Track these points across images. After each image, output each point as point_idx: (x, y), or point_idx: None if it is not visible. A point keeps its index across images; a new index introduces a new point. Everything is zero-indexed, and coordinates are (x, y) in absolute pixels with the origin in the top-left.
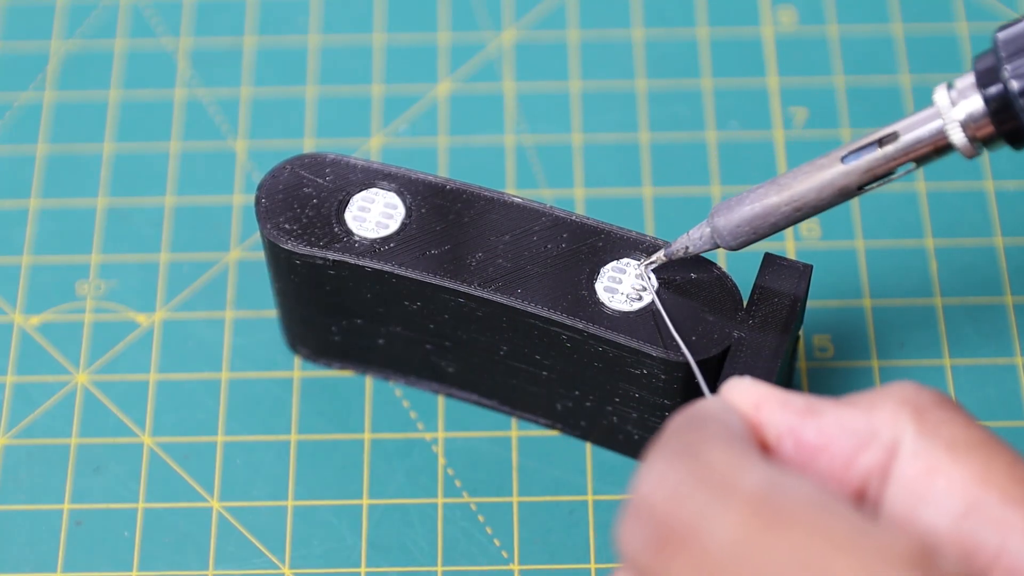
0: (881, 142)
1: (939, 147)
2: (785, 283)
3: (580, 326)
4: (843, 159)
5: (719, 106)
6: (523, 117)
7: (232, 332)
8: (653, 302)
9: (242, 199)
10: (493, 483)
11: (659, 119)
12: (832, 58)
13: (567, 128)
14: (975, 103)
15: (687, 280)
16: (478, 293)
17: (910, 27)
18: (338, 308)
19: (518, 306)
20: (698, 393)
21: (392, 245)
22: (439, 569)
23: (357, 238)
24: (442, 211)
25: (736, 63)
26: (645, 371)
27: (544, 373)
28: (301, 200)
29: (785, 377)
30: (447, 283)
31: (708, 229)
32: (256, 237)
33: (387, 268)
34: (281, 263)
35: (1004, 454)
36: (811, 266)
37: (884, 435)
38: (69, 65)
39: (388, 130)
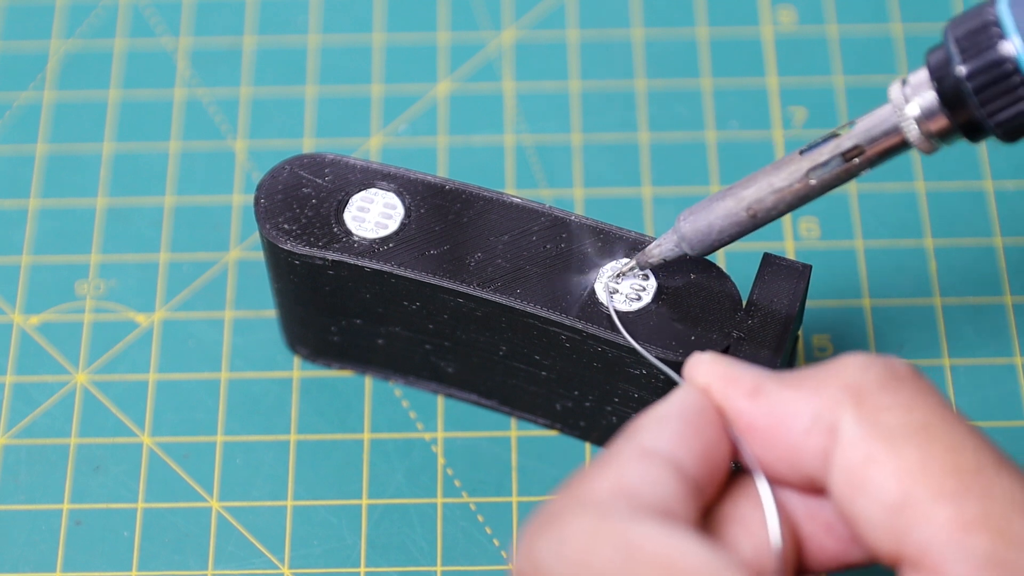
0: (838, 135)
1: (895, 144)
2: (784, 283)
3: (579, 326)
4: (800, 152)
5: (719, 106)
6: (523, 117)
7: (232, 332)
8: (613, 312)
9: (242, 199)
10: (493, 483)
11: (659, 119)
12: (832, 58)
13: (567, 128)
14: (929, 98)
15: (686, 280)
16: (477, 293)
17: (910, 27)
18: (337, 308)
19: (517, 306)
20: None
21: (391, 245)
22: (439, 569)
23: (356, 238)
24: (441, 211)
25: (736, 63)
26: (644, 371)
27: (543, 373)
28: (300, 200)
29: None
30: (446, 283)
31: (676, 236)
32: (256, 237)
33: (386, 268)
34: (280, 263)
35: (945, 440)
36: (810, 266)
37: (825, 420)
38: (69, 65)
39: (388, 130)
